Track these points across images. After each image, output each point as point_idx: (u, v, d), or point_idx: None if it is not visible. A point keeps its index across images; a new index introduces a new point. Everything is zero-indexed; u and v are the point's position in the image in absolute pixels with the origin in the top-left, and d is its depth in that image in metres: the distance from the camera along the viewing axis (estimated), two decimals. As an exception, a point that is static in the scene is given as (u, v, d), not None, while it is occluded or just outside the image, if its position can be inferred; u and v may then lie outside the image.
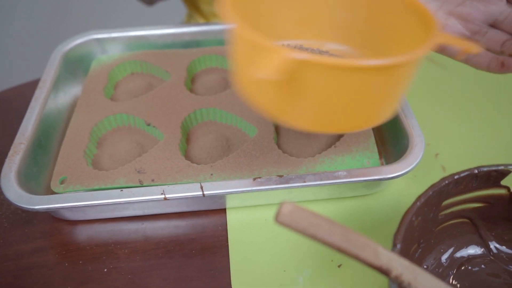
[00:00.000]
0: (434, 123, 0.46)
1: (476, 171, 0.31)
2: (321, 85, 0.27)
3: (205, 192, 0.35)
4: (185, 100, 0.44)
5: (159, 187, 0.35)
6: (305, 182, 0.35)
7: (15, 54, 1.43)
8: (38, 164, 0.40)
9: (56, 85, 0.46)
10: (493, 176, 0.32)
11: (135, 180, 0.38)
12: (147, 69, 0.50)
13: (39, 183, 0.39)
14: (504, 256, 0.34)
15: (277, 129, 0.43)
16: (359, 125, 0.31)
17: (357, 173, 0.36)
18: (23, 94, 0.52)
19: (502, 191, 0.33)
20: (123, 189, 0.36)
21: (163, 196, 0.35)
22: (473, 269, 0.34)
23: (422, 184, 0.40)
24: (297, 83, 0.27)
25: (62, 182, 0.38)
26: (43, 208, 0.35)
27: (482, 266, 0.34)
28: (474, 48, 0.30)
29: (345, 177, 0.36)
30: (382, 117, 0.31)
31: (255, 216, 0.39)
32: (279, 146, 0.41)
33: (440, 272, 0.33)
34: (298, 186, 0.35)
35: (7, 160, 0.38)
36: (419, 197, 0.30)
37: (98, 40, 0.51)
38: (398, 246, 0.28)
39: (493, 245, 0.35)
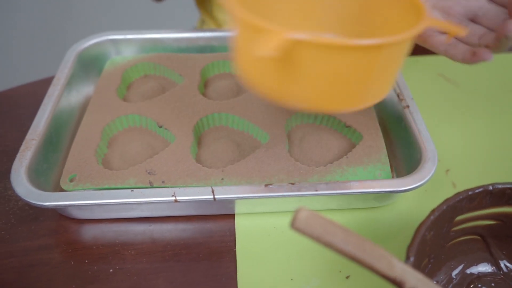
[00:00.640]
0: (444, 139, 0.46)
1: (490, 188, 0.31)
2: (317, 64, 0.28)
3: (216, 196, 0.35)
4: (198, 104, 0.44)
5: (170, 189, 0.35)
6: (316, 191, 0.35)
7: (26, 52, 1.44)
8: (49, 161, 0.40)
9: (70, 83, 0.46)
10: (507, 194, 0.32)
11: (145, 181, 0.38)
12: (161, 72, 0.50)
13: (48, 180, 0.39)
14: (514, 276, 0.34)
15: (289, 137, 0.43)
16: (353, 105, 0.32)
17: (369, 185, 0.36)
18: (34, 92, 0.52)
19: (515, 210, 0.33)
20: (134, 190, 0.35)
21: (173, 198, 0.35)
22: (483, 287, 0.34)
23: (432, 200, 0.40)
24: (295, 62, 0.28)
25: (71, 180, 0.38)
26: (52, 205, 0.35)
27: (492, 284, 0.34)
28: (461, 31, 0.31)
29: (357, 187, 0.35)
30: (375, 97, 0.32)
31: (264, 223, 0.39)
32: (290, 154, 0.41)
33: (449, 289, 0.33)
34: (310, 195, 0.35)
35: (18, 155, 0.38)
36: (433, 211, 0.30)
37: (113, 41, 0.51)
38: (412, 258, 0.27)
39: (503, 263, 0.34)
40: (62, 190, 0.38)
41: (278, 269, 0.36)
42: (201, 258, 0.37)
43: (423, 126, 0.40)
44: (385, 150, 0.40)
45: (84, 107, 0.47)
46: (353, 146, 0.42)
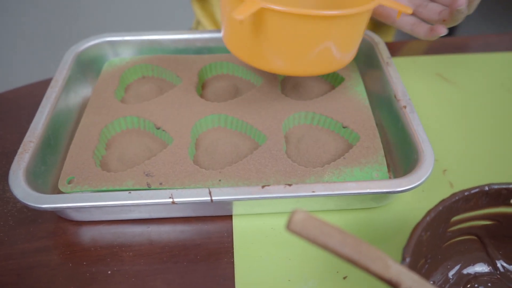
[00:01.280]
0: (442, 139, 0.46)
1: (486, 188, 0.31)
2: (284, 30, 0.37)
3: (213, 198, 0.35)
4: (196, 105, 0.45)
5: (168, 190, 0.35)
6: (314, 192, 0.35)
7: (25, 53, 1.44)
8: (47, 163, 0.40)
9: (68, 85, 0.46)
10: (503, 194, 0.32)
11: (143, 183, 0.38)
12: (159, 73, 0.51)
13: (46, 182, 0.39)
14: (511, 275, 0.34)
15: (287, 138, 0.43)
16: (316, 69, 0.41)
17: (366, 185, 0.36)
18: (32, 93, 0.52)
19: (512, 210, 0.33)
20: (131, 192, 0.35)
21: (171, 200, 0.35)
22: (480, 287, 0.34)
23: (429, 200, 0.40)
24: (267, 28, 0.37)
25: (69, 182, 0.38)
26: (50, 207, 0.35)
27: (489, 284, 0.34)
28: (408, 9, 0.40)
29: (354, 188, 0.35)
30: (335, 63, 0.41)
31: (262, 224, 0.39)
32: (288, 155, 0.41)
33: (446, 289, 0.33)
34: (307, 196, 0.35)
35: (16, 157, 0.38)
36: (429, 212, 0.30)
37: (110, 42, 0.51)
38: (407, 259, 0.28)
39: (500, 263, 0.34)
40: (60, 192, 0.38)
41: (275, 270, 0.36)
42: (199, 259, 0.37)
43: (420, 126, 0.40)
44: (382, 151, 0.40)
45: (82, 109, 0.48)
46: (350, 146, 0.42)
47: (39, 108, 0.43)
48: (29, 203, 0.35)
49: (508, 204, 0.32)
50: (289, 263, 0.36)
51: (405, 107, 0.42)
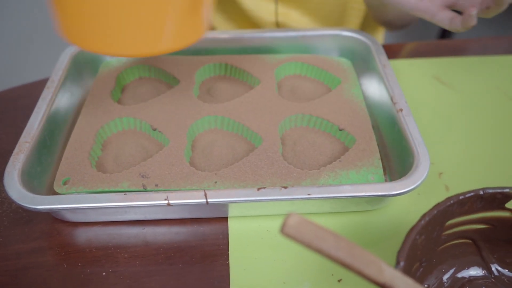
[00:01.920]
0: (438, 142, 0.47)
1: (481, 192, 0.31)
2: None
3: (209, 200, 0.35)
4: (192, 106, 0.45)
5: (163, 192, 0.35)
6: (309, 194, 0.35)
7: (21, 53, 1.44)
8: (42, 164, 0.40)
9: (64, 86, 0.46)
10: (498, 198, 0.32)
11: (139, 184, 0.38)
12: (155, 74, 0.51)
13: (41, 183, 0.39)
14: (505, 279, 0.34)
15: (283, 140, 0.43)
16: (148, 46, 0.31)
17: (361, 188, 0.36)
18: (29, 93, 0.52)
19: (506, 214, 0.33)
20: (127, 193, 0.35)
21: (166, 202, 0.35)
22: (474, 290, 0.34)
23: (425, 203, 0.40)
24: None
25: (65, 183, 0.38)
26: (45, 209, 0.35)
27: (483, 288, 0.34)
28: None
29: (350, 191, 0.35)
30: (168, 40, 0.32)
31: (257, 227, 0.39)
32: (284, 157, 0.41)
33: (441, 292, 0.33)
34: (302, 198, 0.35)
35: (11, 158, 0.38)
36: (423, 216, 0.30)
37: (107, 43, 0.51)
38: (402, 263, 0.28)
39: (494, 267, 0.34)
40: (55, 193, 0.38)
41: (270, 273, 0.36)
42: (194, 261, 0.37)
43: (416, 129, 0.40)
44: (378, 154, 0.40)
45: (78, 109, 0.47)
46: (346, 149, 0.42)
47: (35, 108, 0.42)
48: (24, 204, 0.35)
49: (503, 208, 0.33)
50: (284, 265, 0.36)
51: (401, 110, 0.42)
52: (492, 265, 0.34)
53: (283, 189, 0.35)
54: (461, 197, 0.31)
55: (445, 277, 0.34)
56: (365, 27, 0.68)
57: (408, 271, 0.29)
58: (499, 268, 0.34)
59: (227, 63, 0.50)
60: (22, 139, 0.39)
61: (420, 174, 0.37)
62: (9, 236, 0.38)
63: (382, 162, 0.42)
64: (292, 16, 0.64)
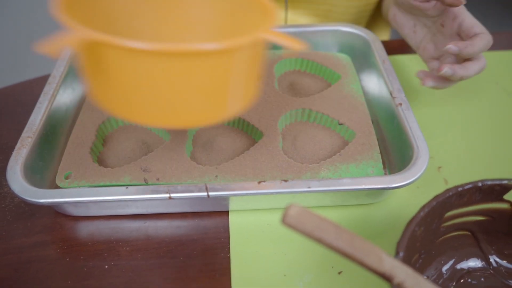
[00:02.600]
0: (437, 136, 0.47)
1: (480, 184, 0.32)
2: (122, 68, 0.26)
3: (210, 193, 0.35)
4: (193, 102, 0.45)
5: (165, 186, 0.36)
6: (309, 188, 0.35)
7: (23, 49, 1.44)
8: (44, 158, 0.40)
9: (65, 81, 0.47)
10: (496, 190, 0.32)
11: (140, 178, 0.38)
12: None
13: (44, 178, 0.40)
14: (504, 271, 0.34)
15: (283, 134, 0.43)
16: (186, 120, 0.30)
17: (361, 181, 0.36)
18: (31, 89, 0.52)
19: (505, 206, 0.33)
20: (129, 187, 0.36)
21: (168, 195, 0.35)
22: (473, 282, 0.34)
23: (424, 196, 0.40)
24: (105, 68, 0.26)
25: (67, 177, 0.38)
26: (47, 202, 0.35)
27: (482, 279, 0.34)
28: (298, 46, 0.30)
29: (349, 184, 0.36)
30: (219, 112, 0.30)
31: (258, 220, 0.39)
32: (284, 151, 0.41)
33: (440, 284, 0.33)
34: (302, 192, 0.35)
35: (14, 153, 0.38)
36: (423, 207, 0.30)
37: (108, 39, 0.51)
38: (401, 254, 0.28)
39: (493, 259, 0.35)
40: (57, 187, 0.38)
41: (271, 265, 0.36)
42: (195, 254, 0.37)
43: (415, 123, 0.41)
44: (377, 148, 0.41)
45: (79, 105, 0.48)
46: (346, 143, 0.42)
47: (37, 104, 0.43)
48: (26, 198, 0.35)
49: (501, 200, 0.33)
50: (285, 258, 0.36)
51: (400, 104, 0.43)
52: (490, 257, 0.35)
53: (283, 182, 0.36)
54: (460, 189, 0.31)
55: (444, 269, 0.34)
56: (371, 27, 0.69)
57: (407, 262, 0.29)
58: (498, 260, 0.35)
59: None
60: (24, 134, 0.40)
61: (419, 167, 0.37)
62: (11, 230, 0.39)
63: (382, 156, 0.42)
64: (301, 22, 0.65)
